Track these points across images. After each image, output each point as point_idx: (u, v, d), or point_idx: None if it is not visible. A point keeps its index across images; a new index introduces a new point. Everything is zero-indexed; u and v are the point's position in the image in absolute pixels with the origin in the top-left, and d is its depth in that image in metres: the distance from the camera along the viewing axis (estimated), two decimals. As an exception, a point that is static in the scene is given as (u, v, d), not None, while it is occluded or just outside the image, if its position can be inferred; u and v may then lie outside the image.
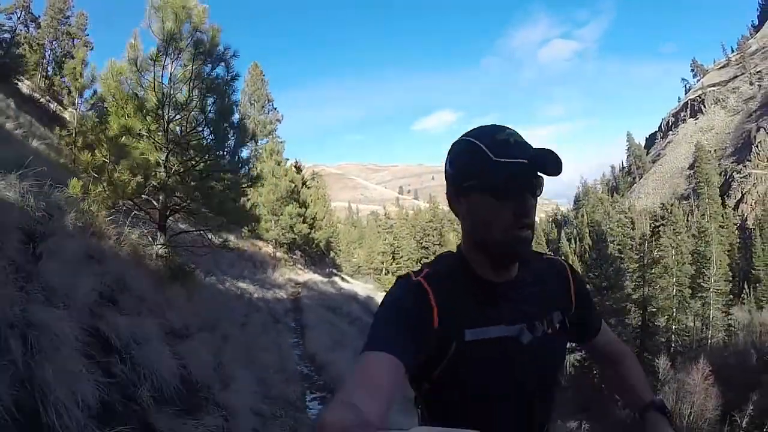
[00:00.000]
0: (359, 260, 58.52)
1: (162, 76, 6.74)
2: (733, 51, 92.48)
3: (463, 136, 1.11)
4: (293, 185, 22.93)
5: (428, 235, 56.07)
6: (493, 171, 1.00)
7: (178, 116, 6.86)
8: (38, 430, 2.11)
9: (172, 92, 6.73)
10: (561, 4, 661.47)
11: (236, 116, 7.55)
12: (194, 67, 6.87)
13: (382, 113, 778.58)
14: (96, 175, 6.18)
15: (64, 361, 2.37)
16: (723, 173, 69.09)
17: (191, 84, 6.83)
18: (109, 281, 4.15)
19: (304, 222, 22.90)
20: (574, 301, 1.21)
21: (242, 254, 16.65)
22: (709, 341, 32.24)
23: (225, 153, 7.33)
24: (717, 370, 22.16)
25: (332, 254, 44.77)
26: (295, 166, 28.34)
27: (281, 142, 30.69)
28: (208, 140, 7.13)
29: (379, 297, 30.62)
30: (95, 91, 13.40)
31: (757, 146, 65.82)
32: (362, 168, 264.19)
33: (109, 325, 3.17)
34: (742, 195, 62.03)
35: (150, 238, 6.73)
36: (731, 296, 37.83)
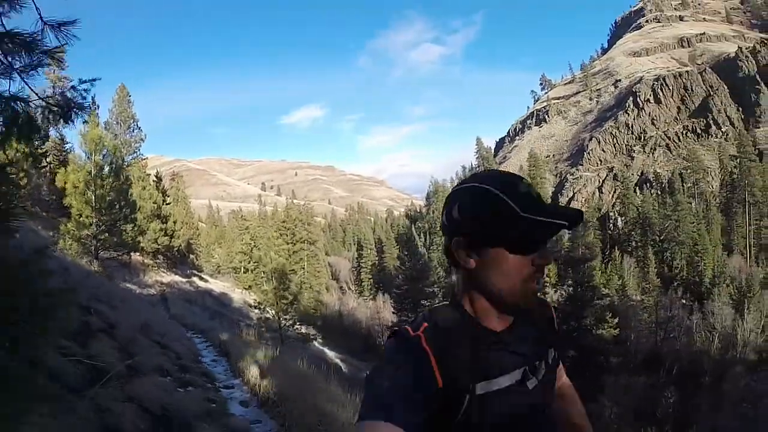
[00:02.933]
0: (219, 260, 59.76)
1: (95, 182, 14.01)
2: (581, 69, 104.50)
3: (475, 182, 1.07)
4: (156, 205, 28.89)
5: (283, 234, 58.70)
6: (520, 226, 1.00)
7: (104, 202, 14.15)
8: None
9: (101, 190, 14.04)
10: (436, 12, 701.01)
11: (132, 198, 14.92)
12: (111, 176, 14.22)
13: (247, 107, 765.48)
14: (69, 234, 13.36)
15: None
16: (558, 175, 79.63)
17: (110, 185, 14.18)
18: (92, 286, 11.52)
19: (165, 235, 29.01)
20: (556, 336, 1.27)
21: (122, 263, 22.82)
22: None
23: (125, 217, 14.73)
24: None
25: (193, 256, 48.30)
26: (156, 177, 33.47)
27: (144, 159, 33.76)
28: (118, 212, 14.46)
29: (234, 294, 36.88)
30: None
31: (588, 153, 75.92)
32: (225, 163, 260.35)
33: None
34: (574, 194, 71.96)
35: (90, 263, 13.94)
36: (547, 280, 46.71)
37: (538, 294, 1.14)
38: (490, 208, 1.01)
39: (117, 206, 14.19)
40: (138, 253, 27.80)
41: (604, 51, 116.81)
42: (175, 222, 32.87)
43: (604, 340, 24.40)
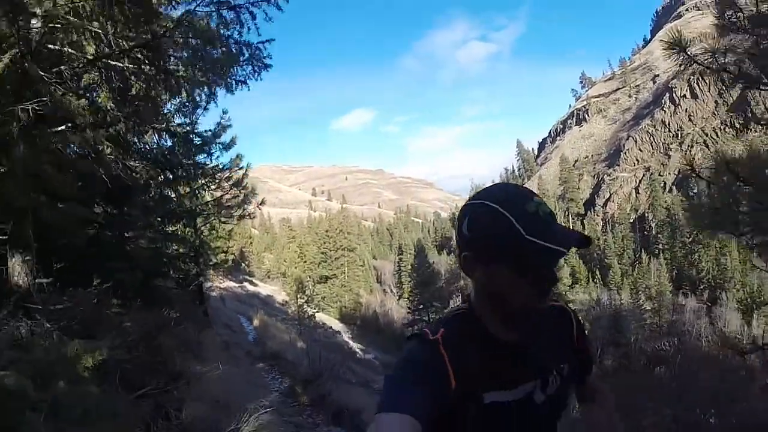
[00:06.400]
0: (269, 265, 67.83)
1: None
2: (620, 65, 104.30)
3: (483, 198, 1.09)
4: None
5: (326, 242, 65.81)
6: (524, 249, 1.01)
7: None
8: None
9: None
10: (477, 8, 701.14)
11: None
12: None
13: (297, 113, 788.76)
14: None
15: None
16: (596, 176, 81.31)
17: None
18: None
19: (223, 252, 39.44)
20: (576, 346, 1.29)
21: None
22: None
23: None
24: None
25: (246, 263, 56.70)
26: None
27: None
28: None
29: (279, 296, 46.83)
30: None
31: (625, 153, 76.70)
32: (276, 170, 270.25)
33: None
34: (610, 195, 74.16)
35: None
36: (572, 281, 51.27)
37: (555, 303, 1.26)
38: (494, 228, 1.04)
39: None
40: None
41: (646, 43, 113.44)
42: (230, 236, 42.45)
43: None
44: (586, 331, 1.36)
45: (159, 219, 9.34)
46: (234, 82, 4.98)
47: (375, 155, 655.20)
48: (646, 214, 67.03)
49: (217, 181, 12.90)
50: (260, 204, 14.08)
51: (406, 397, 1.01)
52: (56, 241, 4.64)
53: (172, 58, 4.23)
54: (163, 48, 3.93)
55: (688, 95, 76.03)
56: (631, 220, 67.59)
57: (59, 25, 3.50)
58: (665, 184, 69.37)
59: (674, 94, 77.30)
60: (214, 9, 4.05)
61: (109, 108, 4.41)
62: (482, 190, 1.12)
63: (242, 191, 13.64)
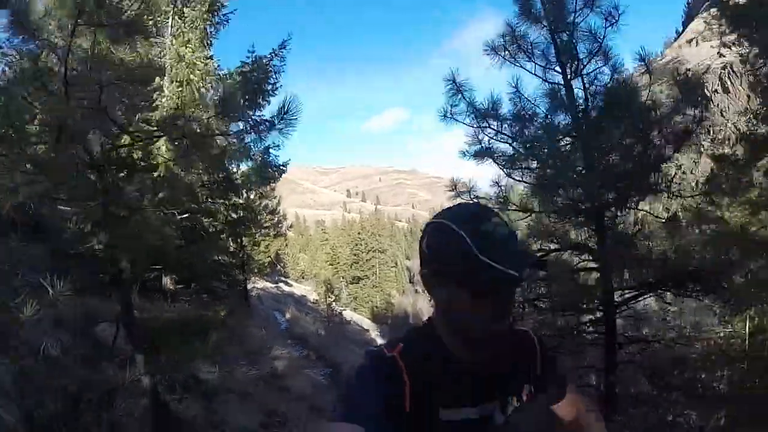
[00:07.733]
0: (304, 266, 69.10)
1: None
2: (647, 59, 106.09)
3: (440, 217, 1.09)
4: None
5: (358, 244, 68.79)
6: (476, 269, 0.98)
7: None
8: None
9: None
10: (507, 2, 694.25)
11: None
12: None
13: (331, 113, 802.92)
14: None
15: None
16: None
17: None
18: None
19: (262, 262, 44.26)
20: (539, 370, 1.27)
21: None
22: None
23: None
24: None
25: (281, 264, 60.54)
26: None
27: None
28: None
29: (312, 295, 51.26)
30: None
31: None
32: (311, 171, 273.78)
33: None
34: None
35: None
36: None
37: (502, 336, 1.13)
38: (448, 246, 1.02)
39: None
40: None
41: (678, 36, 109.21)
42: (267, 249, 47.35)
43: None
44: (555, 357, 1.38)
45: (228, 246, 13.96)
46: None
47: (410, 154, 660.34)
48: (678, 213, 66.94)
49: (257, 211, 17.49)
50: (289, 227, 18.62)
51: (362, 409, 1.01)
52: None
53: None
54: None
55: (719, 90, 73.99)
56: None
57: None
58: (697, 182, 67.53)
59: (705, 89, 76.21)
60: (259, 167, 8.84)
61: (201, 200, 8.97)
62: (444, 209, 1.14)
63: (276, 216, 18.27)
